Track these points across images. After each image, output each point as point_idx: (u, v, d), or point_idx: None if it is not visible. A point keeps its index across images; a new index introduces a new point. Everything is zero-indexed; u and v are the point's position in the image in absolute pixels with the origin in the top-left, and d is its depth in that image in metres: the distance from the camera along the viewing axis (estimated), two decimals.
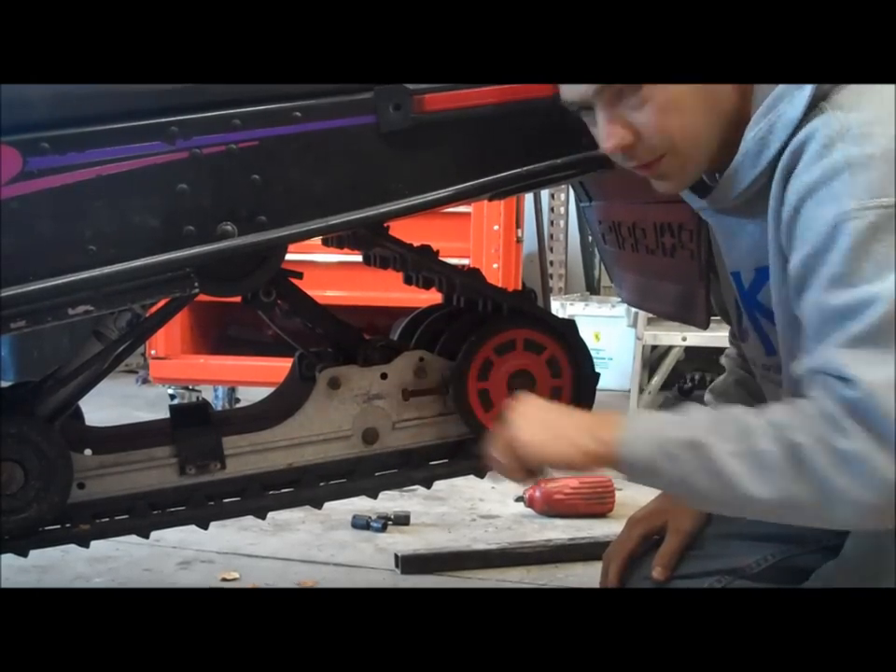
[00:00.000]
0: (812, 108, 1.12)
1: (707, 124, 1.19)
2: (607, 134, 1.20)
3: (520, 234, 3.14)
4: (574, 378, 1.64)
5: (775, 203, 1.15)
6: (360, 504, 2.19)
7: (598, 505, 2.67)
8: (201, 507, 1.58)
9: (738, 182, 1.20)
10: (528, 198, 3.35)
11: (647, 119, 1.18)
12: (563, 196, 4.60)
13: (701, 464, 1.08)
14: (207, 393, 3.62)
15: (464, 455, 1.66)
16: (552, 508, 2.66)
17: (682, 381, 4.10)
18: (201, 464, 1.57)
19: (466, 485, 2.84)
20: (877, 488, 1.02)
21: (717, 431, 1.08)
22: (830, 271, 1.06)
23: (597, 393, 1.68)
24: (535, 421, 1.19)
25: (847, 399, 1.03)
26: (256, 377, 3.09)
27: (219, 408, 3.45)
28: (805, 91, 1.12)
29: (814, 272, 1.08)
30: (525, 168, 1.45)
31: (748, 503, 1.07)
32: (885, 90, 1.09)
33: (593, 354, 1.67)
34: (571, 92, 1.21)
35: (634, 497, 2.77)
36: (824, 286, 1.07)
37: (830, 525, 1.12)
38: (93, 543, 1.59)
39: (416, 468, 1.65)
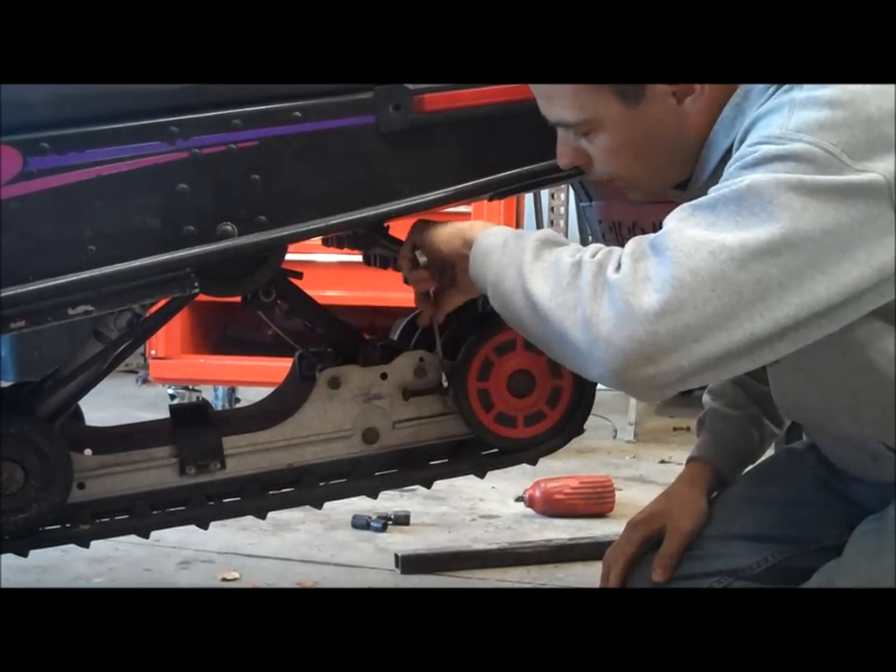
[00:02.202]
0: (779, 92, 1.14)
1: (656, 161, 1.25)
2: (559, 153, 1.29)
3: None
4: (575, 378, 1.64)
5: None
6: (360, 504, 2.19)
7: (598, 505, 2.67)
8: (201, 507, 1.58)
9: (705, 169, 1.23)
10: (528, 198, 3.36)
11: (594, 151, 1.26)
12: (563, 196, 4.60)
13: (514, 258, 1.20)
14: (207, 393, 3.62)
15: (464, 454, 1.66)
16: (552, 508, 2.66)
17: None
18: (201, 464, 1.57)
19: (466, 485, 2.83)
20: (622, 333, 1.06)
21: (547, 244, 1.19)
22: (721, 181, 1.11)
23: (598, 393, 1.68)
24: (441, 224, 1.40)
25: (649, 240, 1.10)
26: (255, 377, 3.09)
27: (219, 408, 3.44)
28: (772, 88, 1.14)
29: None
30: (525, 168, 1.45)
31: (528, 302, 1.16)
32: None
33: None
34: (539, 107, 1.27)
35: (634, 497, 2.78)
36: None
37: (585, 369, 1.14)
38: (93, 543, 1.59)
39: (416, 467, 1.65)
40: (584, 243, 5.52)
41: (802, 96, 1.09)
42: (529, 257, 1.19)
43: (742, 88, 1.18)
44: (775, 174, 1.06)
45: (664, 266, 1.07)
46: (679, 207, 1.13)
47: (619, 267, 1.11)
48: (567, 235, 5.07)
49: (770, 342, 1.08)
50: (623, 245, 1.23)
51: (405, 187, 1.43)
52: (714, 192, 1.11)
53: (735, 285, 1.06)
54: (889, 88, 1.09)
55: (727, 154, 1.18)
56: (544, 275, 1.16)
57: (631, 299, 1.07)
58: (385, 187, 1.42)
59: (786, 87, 1.12)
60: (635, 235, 1.66)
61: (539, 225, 3.09)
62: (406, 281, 1.51)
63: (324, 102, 1.38)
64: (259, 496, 1.60)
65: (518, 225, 3.11)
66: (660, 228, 1.58)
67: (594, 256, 1.15)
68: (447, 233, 1.39)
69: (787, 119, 1.09)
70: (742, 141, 1.14)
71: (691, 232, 1.08)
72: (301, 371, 1.70)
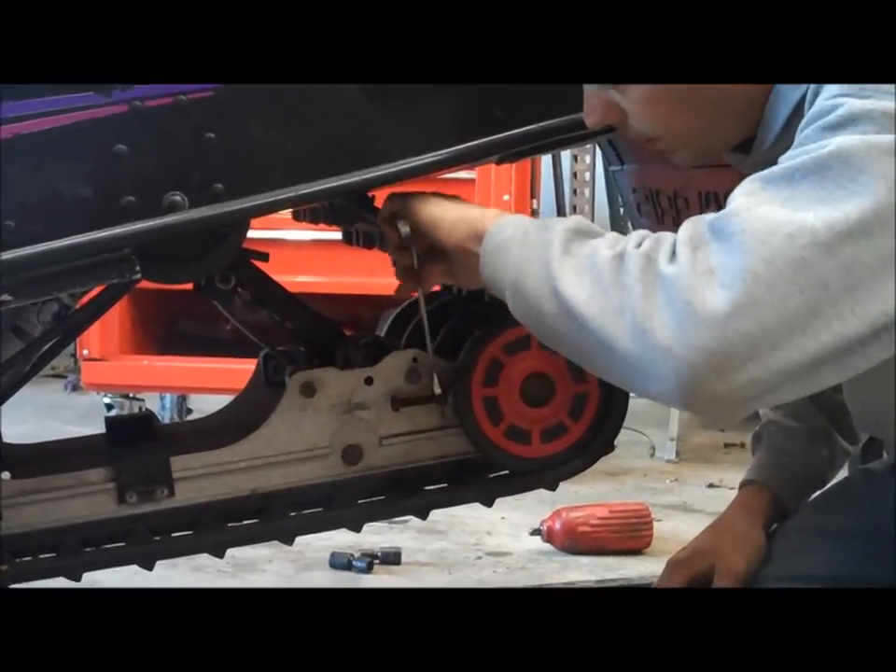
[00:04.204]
0: None
1: (706, 115, 1.24)
2: (586, 110, 1.28)
3: (535, 206, 3.15)
4: (602, 382, 1.64)
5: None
6: (340, 539, 2.20)
7: (632, 539, 2.68)
8: (144, 543, 1.58)
9: (771, 127, 1.22)
10: (545, 161, 3.36)
11: (629, 105, 1.25)
12: (588, 159, 4.60)
13: (539, 254, 1.18)
14: (152, 402, 3.63)
15: (467, 478, 1.66)
16: (575, 543, 2.67)
17: None
18: (144, 490, 1.57)
19: (469, 516, 2.84)
20: (684, 340, 1.05)
21: (579, 234, 1.19)
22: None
23: (631, 401, 1.68)
24: (433, 198, 1.41)
25: (708, 222, 1.09)
26: (211, 382, 3.11)
27: (167, 421, 3.45)
28: None
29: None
30: (540, 124, 1.45)
31: (560, 307, 1.15)
32: None
33: None
34: None
35: (676, 529, 2.78)
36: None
37: (640, 387, 1.13)
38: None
39: (409, 494, 1.65)
40: (615, 217, 5.60)
41: None
42: (558, 251, 1.17)
43: None
44: (863, 135, 1.05)
45: (731, 254, 1.05)
46: (747, 180, 1.11)
47: (673, 257, 1.09)
48: (593, 207, 5.09)
49: (863, 345, 1.05)
50: (661, 219, 1.23)
51: (394, 148, 1.43)
52: (789, 160, 1.09)
53: (820, 275, 1.03)
54: None
55: (798, 108, 1.18)
56: (578, 273, 1.14)
57: (692, 297, 1.05)
58: (369, 148, 1.42)
59: None
60: (676, 207, 1.69)
61: (559, 194, 3.09)
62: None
63: None
64: (215, 529, 1.60)
65: (534, 194, 3.12)
66: (705, 198, 1.60)
67: (639, 245, 1.13)
68: (449, 219, 1.36)
69: None
70: (817, 94, 1.13)
71: (762, 211, 1.06)
72: (268, 374, 1.70)
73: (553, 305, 1.16)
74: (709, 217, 1.11)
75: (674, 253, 1.10)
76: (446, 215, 1.37)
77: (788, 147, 1.13)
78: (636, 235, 1.16)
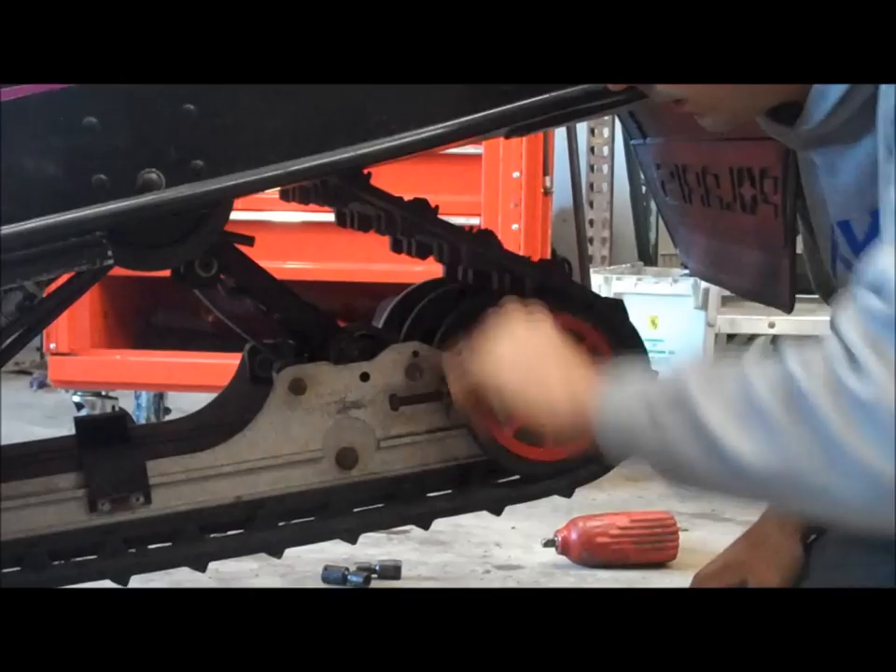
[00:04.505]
0: None
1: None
2: None
3: (548, 184, 3.14)
4: None
5: (886, 104, 1.13)
6: (334, 551, 2.19)
7: (656, 551, 2.68)
8: (118, 555, 1.58)
9: (825, 95, 1.20)
10: (559, 134, 3.35)
11: None
12: (606, 132, 4.60)
13: (677, 420, 1.14)
14: (126, 401, 3.63)
15: (474, 483, 1.66)
16: (593, 555, 2.66)
17: None
18: (117, 497, 1.57)
19: (476, 525, 2.84)
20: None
21: (708, 382, 1.14)
22: None
23: None
24: (513, 352, 1.30)
25: (876, 316, 1.03)
26: (191, 379, 3.11)
27: (143, 421, 3.45)
28: None
29: None
30: (552, 94, 1.44)
31: (739, 472, 1.09)
32: None
33: (647, 346, 1.68)
34: None
35: (704, 539, 2.78)
36: None
37: (843, 517, 1.10)
38: None
39: (409, 501, 1.65)
40: (636, 197, 5.56)
41: None
42: (707, 404, 1.11)
43: None
44: None
45: None
46: (882, 238, 1.07)
47: (853, 364, 1.04)
48: (612, 185, 5.08)
49: None
50: (689, 198, 1.21)
51: (392, 119, 1.42)
52: None
53: None
54: None
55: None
56: (739, 424, 1.09)
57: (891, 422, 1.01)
58: (364, 120, 1.41)
59: None
60: (705, 184, 1.68)
61: (575, 171, 3.08)
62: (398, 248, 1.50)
63: None
64: (196, 540, 1.60)
65: (546, 171, 3.11)
66: (737, 174, 1.59)
67: (791, 365, 1.07)
68: (544, 400, 1.26)
69: None
70: None
71: None
72: (253, 370, 1.70)
73: (718, 467, 1.12)
74: (864, 295, 1.06)
75: (851, 359, 1.04)
76: (534, 390, 1.28)
77: (844, 124, 1.12)
78: (790, 352, 1.09)
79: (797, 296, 1.57)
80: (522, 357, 1.30)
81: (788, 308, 1.59)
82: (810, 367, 1.07)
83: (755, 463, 1.08)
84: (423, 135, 1.42)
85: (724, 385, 1.12)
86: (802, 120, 1.24)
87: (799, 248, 1.53)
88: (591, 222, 4.82)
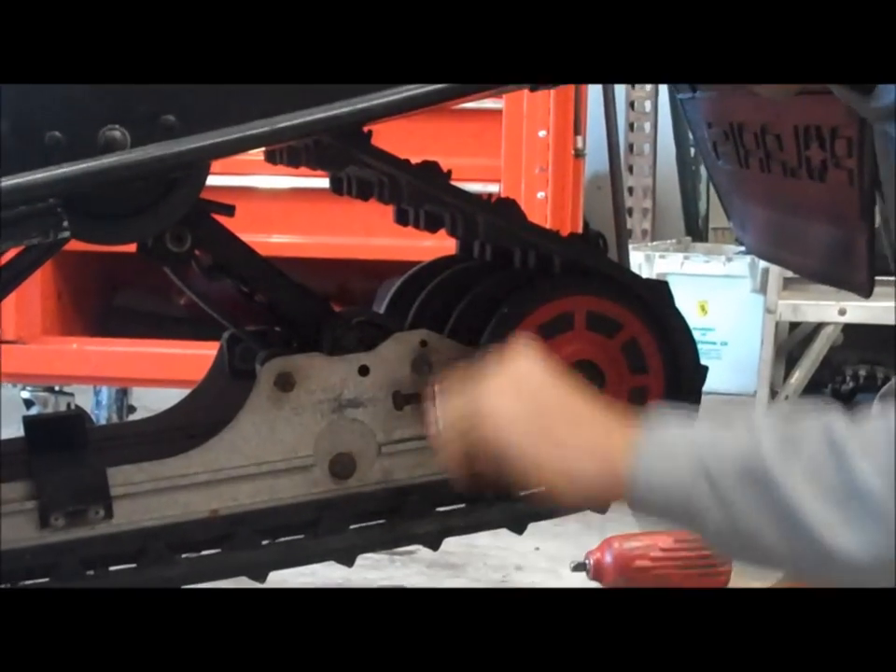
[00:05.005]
0: None
1: None
2: None
3: (580, 145, 3.14)
4: (667, 374, 1.66)
5: None
6: (328, 574, 2.19)
7: (705, 577, 2.68)
8: (74, 578, 1.58)
9: None
10: (594, 88, 3.34)
11: None
12: (648, 85, 4.59)
13: (765, 502, 1.10)
14: (84, 397, 3.64)
15: (491, 497, 1.66)
16: (631, 581, 2.66)
17: (839, 378, 4.11)
18: (74, 511, 1.57)
19: (494, 545, 2.85)
20: None
21: (783, 448, 1.10)
22: None
23: (704, 398, 1.69)
24: (522, 401, 1.20)
25: None
26: (160, 372, 3.12)
27: (103, 421, 3.46)
28: None
29: None
30: None
31: (834, 562, 1.08)
32: None
33: (696, 335, 1.69)
34: None
35: None
36: None
37: None
38: None
39: (415, 517, 1.66)
40: (683, 160, 5.55)
41: None
42: (794, 483, 1.09)
43: None
44: None
45: None
46: None
47: None
48: (654, 147, 5.07)
49: None
50: (745, 162, 1.20)
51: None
52: None
53: None
54: None
55: None
56: (835, 507, 1.08)
57: None
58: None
59: None
60: (765, 146, 1.68)
61: (612, 130, 3.05)
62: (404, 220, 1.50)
63: None
64: (165, 561, 1.60)
65: (578, 130, 3.11)
66: (804, 134, 1.59)
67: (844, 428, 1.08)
68: (560, 461, 1.18)
69: None
70: None
71: None
72: (233, 362, 1.71)
73: (808, 555, 1.11)
74: None
75: None
76: (549, 469, 1.20)
77: None
78: (831, 416, 1.10)
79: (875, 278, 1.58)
80: (529, 405, 1.20)
81: (865, 292, 1.60)
82: None
83: (855, 554, 1.08)
84: (432, 88, 1.39)
85: (812, 454, 1.10)
86: (874, 97, 1.24)
87: (876, 222, 1.53)
88: (630, 190, 4.83)
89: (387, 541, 1.69)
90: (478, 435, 1.20)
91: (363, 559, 1.69)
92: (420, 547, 1.71)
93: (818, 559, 1.10)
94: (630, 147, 4.89)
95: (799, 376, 3.98)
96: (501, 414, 1.19)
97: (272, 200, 3.05)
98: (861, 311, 3.63)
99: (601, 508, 1.30)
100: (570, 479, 1.18)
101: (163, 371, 3.08)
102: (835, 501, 1.08)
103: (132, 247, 1.58)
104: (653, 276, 3.57)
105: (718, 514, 1.12)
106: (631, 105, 4.50)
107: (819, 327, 3.94)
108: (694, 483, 1.12)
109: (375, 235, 2.79)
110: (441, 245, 1.84)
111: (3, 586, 1.55)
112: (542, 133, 3.06)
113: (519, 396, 1.20)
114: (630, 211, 4.76)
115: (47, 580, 1.58)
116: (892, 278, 1.59)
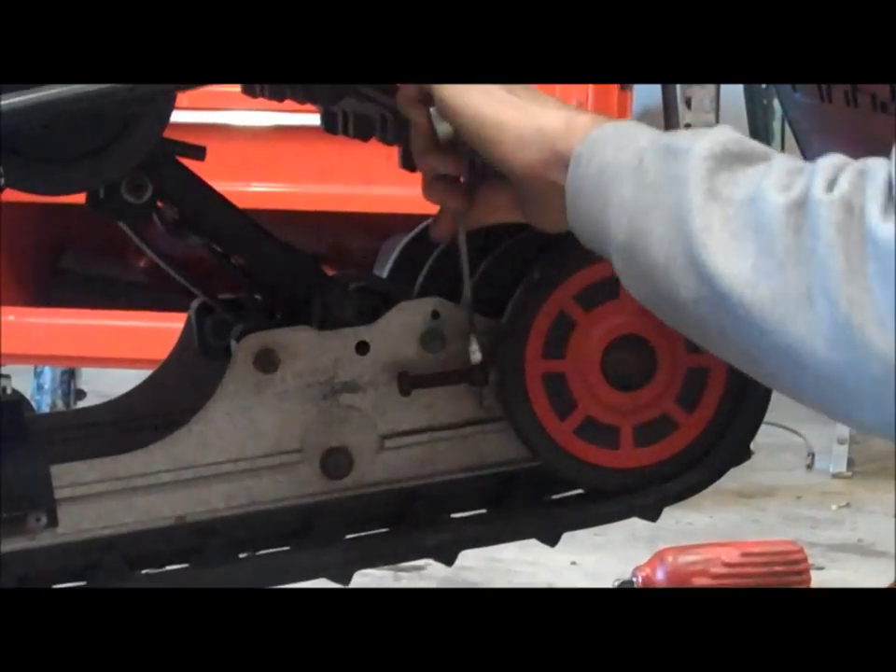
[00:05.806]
0: None
1: None
2: None
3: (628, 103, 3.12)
4: None
5: None
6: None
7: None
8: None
9: None
10: None
11: None
12: None
13: (664, 196, 1.21)
14: (23, 380, 3.67)
15: (517, 500, 1.68)
16: None
17: None
18: (9, 517, 1.57)
19: (521, 559, 2.87)
20: None
21: (728, 159, 1.19)
22: None
23: None
24: (482, 88, 1.39)
25: None
26: (114, 350, 3.13)
27: (46, 408, 3.48)
28: None
29: None
30: None
31: (710, 285, 1.15)
32: None
33: None
34: None
35: (845, 580, 2.79)
36: None
37: (843, 411, 1.14)
38: None
39: (425, 525, 1.67)
40: (752, 90, 5.54)
41: None
42: (698, 195, 1.17)
43: None
44: None
45: None
46: None
47: (891, 204, 1.07)
48: (717, 106, 5.05)
49: None
50: (827, 96, 1.23)
51: None
52: None
53: None
54: None
55: None
56: (735, 235, 1.15)
57: None
58: None
59: None
60: (856, 104, 1.68)
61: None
62: (411, 164, 1.52)
63: None
64: (122, 578, 1.61)
65: None
66: None
67: (831, 184, 1.11)
68: (514, 128, 1.37)
69: None
70: None
71: None
72: (204, 337, 1.72)
73: (695, 286, 1.17)
74: None
75: (891, 195, 1.08)
76: (508, 121, 1.37)
77: None
78: (826, 164, 1.14)
79: None
80: (497, 92, 1.39)
81: None
82: (841, 187, 1.11)
83: (741, 288, 1.14)
84: None
85: (739, 178, 1.17)
86: None
87: None
88: (688, 127, 4.80)
89: (391, 554, 1.70)
90: (440, 96, 1.40)
91: (362, 576, 1.69)
92: (431, 561, 1.72)
93: (712, 298, 1.17)
94: (687, 102, 4.85)
95: None
96: (488, 109, 1.38)
97: (250, 140, 3.03)
98: None
99: (534, 178, 1.37)
100: (542, 153, 1.35)
101: (118, 348, 3.07)
102: (737, 228, 1.15)
103: (80, 198, 1.58)
104: None
105: (630, 181, 1.24)
106: None
107: None
108: (616, 185, 1.25)
109: (376, 183, 2.76)
110: None
111: None
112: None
113: (504, 101, 1.39)
114: None
115: None
116: None
